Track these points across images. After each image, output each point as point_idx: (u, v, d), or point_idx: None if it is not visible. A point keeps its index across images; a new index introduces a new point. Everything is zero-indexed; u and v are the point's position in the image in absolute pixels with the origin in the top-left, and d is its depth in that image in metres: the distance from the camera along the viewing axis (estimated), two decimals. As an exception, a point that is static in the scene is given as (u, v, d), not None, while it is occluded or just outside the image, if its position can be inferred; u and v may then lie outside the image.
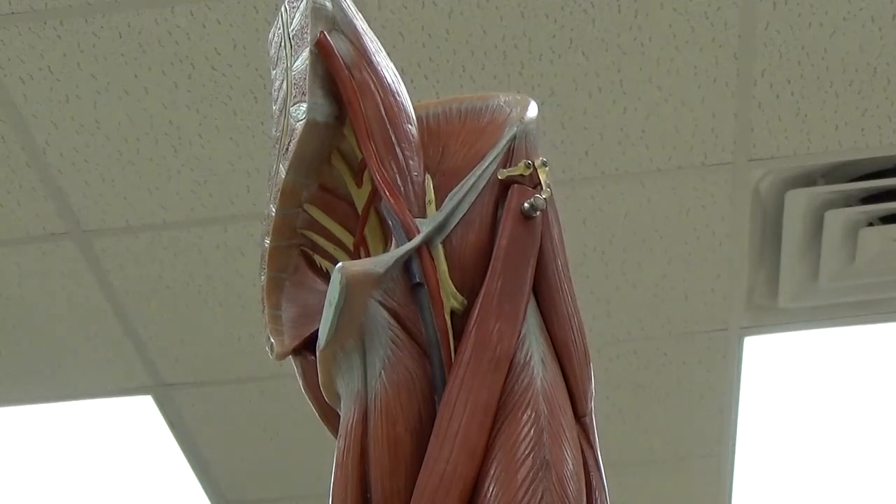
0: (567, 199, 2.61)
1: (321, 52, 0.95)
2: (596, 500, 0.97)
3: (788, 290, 2.92)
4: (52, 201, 2.61)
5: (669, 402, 3.25)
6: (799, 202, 2.69)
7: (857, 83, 2.45)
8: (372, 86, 0.96)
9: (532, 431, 0.92)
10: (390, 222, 0.94)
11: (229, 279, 2.83)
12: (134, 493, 3.64)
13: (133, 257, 2.76)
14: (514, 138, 0.98)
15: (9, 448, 3.44)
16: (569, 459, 0.93)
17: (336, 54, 0.95)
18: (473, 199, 0.96)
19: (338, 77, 0.95)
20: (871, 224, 2.76)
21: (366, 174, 0.97)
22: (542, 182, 0.97)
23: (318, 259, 0.99)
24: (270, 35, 1.03)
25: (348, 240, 0.99)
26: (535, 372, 0.94)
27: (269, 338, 0.98)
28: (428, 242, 0.93)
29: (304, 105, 0.95)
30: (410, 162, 0.96)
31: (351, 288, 0.89)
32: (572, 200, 2.64)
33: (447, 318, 0.93)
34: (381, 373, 0.91)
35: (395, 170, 0.95)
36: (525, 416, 0.92)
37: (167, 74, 2.38)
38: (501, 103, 1.01)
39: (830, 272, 2.85)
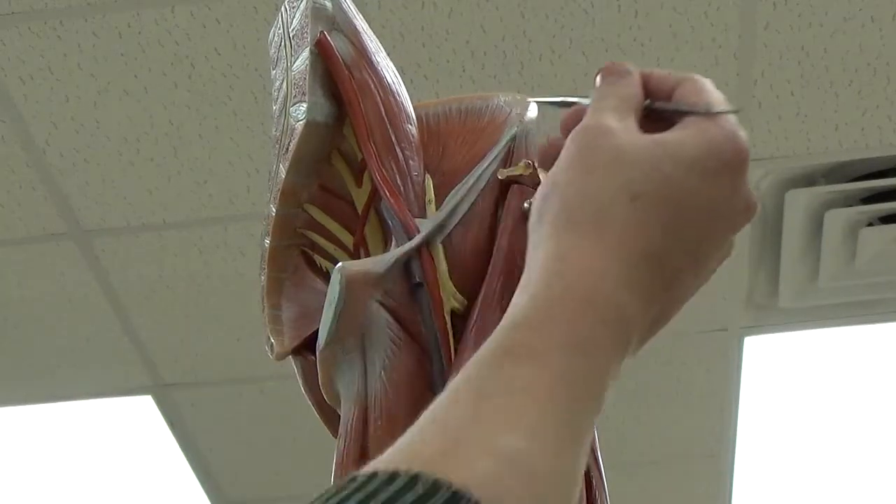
0: (567, 199, 2.60)
1: (321, 51, 0.95)
2: (596, 500, 0.97)
3: (788, 290, 2.92)
4: (52, 201, 2.62)
5: (669, 402, 3.25)
6: (799, 202, 2.69)
7: (857, 83, 2.45)
8: (372, 86, 0.96)
9: (532, 431, 0.92)
10: (390, 222, 0.94)
11: (229, 279, 2.83)
12: (134, 493, 3.64)
13: (133, 257, 2.76)
14: (514, 138, 0.98)
15: (9, 448, 3.44)
16: (569, 459, 0.93)
17: (336, 54, 0.95)
18: (473, 199, 0.96)
19: (338, 77, 0.95)
20: (871, 224, 2.77)
21: (366, 174, 0.97)
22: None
23: (318, 259, 0.99)
24: (270, 35, 1.03)
25: (348, 240, 0.99)
26: (535, 372, 0.94)
27: (269, 338, 0.98)
28: (428, 242, 0.93)
29: (304, 105, 0.95)
30: (410, 162, 0.96)
31: (351, 288, 0.89)
32: (572, 200, 2.64)
33: (447, 318, 0.93)
34: (381, 373, 0.91)
35: (395, 170, 0.95)
36: (525, 416, 0.92)
37: (167, 74, 2.38)
38: (501, 103, 1.01)
39: (830, 272, 2.85)
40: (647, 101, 0.83)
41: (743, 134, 0.79)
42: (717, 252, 0.80)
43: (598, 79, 0.84)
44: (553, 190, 0.78)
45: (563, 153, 0.79)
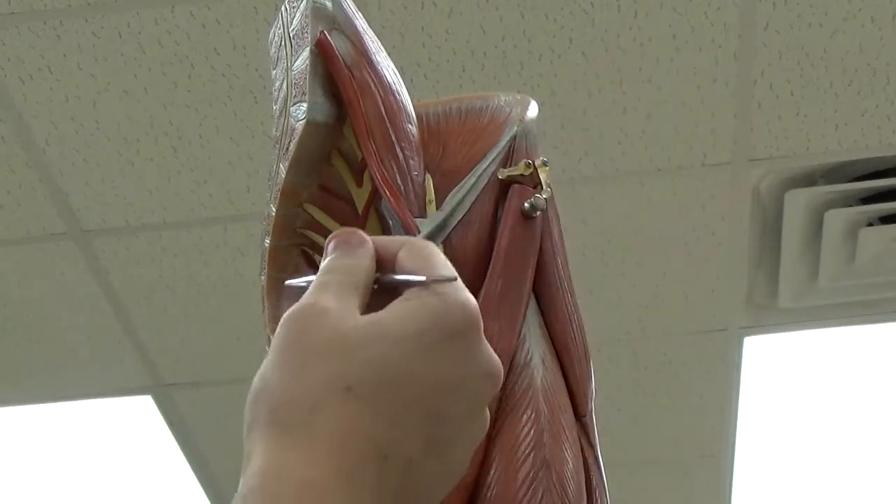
0: (567, 199, 2.61)
1: (321, 51, 0.95)
2: (596, 500, 0.97)
3: (788, 290, 2.92)
4: (52, 201, 2.62)
5: (669, 402, 3.25)
6: (799, 202, 2.69)
7: (857, 83, 2.45)
8: (372, 85, 0.96)
9: (532, 431, 0.92)
10: (391, 222, 0.94)
11: (229, 279, 2.83)
12: (134, 493, 3.64)
13: (133, 257, 2.76)
14: (514, 138, 0.98)
15: (9, 448, 3.44)
16: (569, 459, 0.93)
17: (336, 54, 0.95)
18: (473, 198, 0.96)
19: (338, 77, 0.95)
20: (871, 224, 2.77)
21: (366, 174, 0.97)
22: (543, 182, 0.97)
23: (318, 259, 0.99)
24: (270, 35, 1.03)
25: (348, 240, 0.99)
26: (536, 372, 0.94)
27: (269, 338, 0.98)
28: (428, 242, 0.93)
29: (305, 105, 0.95)
30: (411, 161, 0.96)
31: (351, 288, 0.89)
32: (572, 200, 2.64)
33: (447, 318, 0.93)
34: (381, 373, 0.90)
35: (396, 169, 0.95)
36: (525, 416, 0.92)
37: (167, 74, 2.38)
38: (501, 103, 1.01)
39: (830, 272, 2.85)
40: (377, 274, 0.75)
41: (467, 298, 0.71)
42: (462, 431, 0.70)
43: (330, 247, 0.75)
44: (261, 392, 0.72)
45: (274, 341, 0.72)
